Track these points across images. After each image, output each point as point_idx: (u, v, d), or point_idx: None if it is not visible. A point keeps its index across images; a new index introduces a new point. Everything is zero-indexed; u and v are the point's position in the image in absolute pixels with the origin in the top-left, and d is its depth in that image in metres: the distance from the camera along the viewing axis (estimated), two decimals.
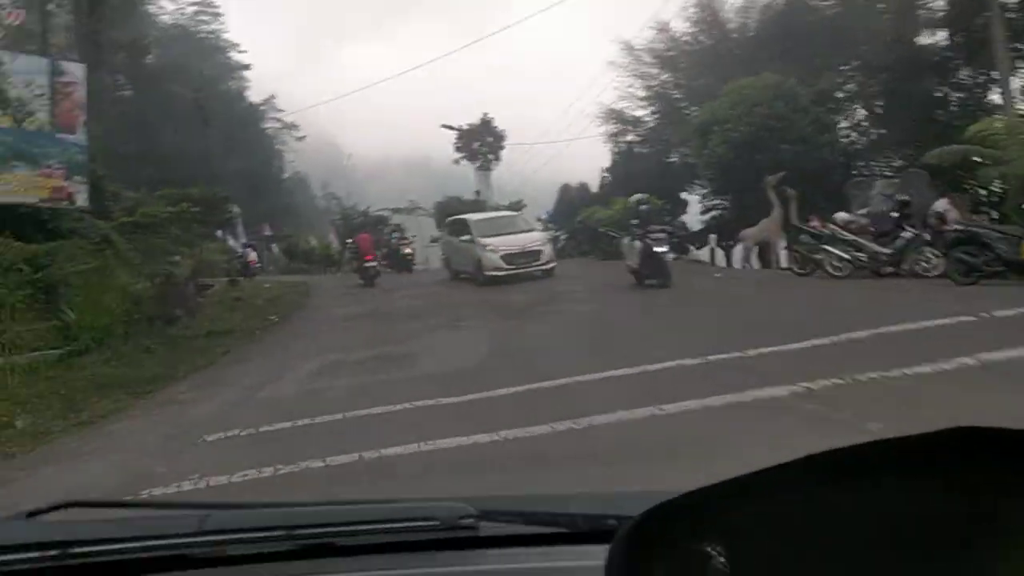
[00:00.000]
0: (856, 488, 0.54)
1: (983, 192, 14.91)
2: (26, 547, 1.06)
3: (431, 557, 1.08)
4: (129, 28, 34.31)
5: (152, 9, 41.78)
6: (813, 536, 0.55)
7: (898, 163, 22.57)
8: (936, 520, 0.51)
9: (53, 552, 1.04)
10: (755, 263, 19.10)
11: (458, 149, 37.83)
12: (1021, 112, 16.58)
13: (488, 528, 1.09)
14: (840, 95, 23.58)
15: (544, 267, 16.38)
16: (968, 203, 14.71)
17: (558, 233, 26.61)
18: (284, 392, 7.83)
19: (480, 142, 37.11)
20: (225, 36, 50.70)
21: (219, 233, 28.78)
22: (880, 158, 23.69)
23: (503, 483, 4.26)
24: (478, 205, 31.04)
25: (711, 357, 6.95)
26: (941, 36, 21.99)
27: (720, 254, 22.40)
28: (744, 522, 0.58)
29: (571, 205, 29.07)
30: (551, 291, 14.22)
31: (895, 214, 12.74)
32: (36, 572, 1.05)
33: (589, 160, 50.01)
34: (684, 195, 26.80)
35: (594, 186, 29.84)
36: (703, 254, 23.11)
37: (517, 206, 29.46)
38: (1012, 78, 17.94)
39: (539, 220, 24.87)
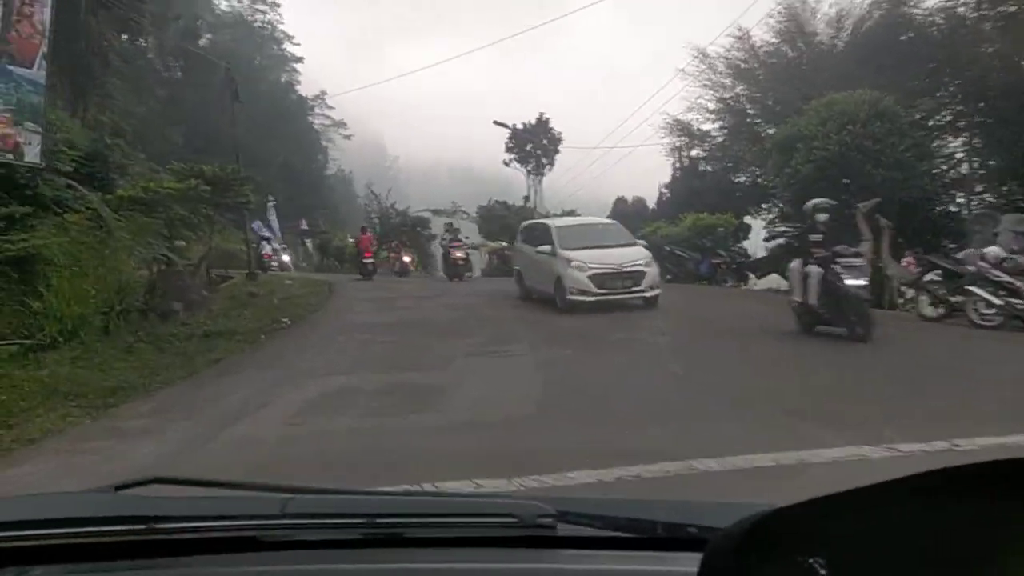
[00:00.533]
0: (952, 507, 0.56)
1: None
2: (114, 519, 1.09)
3: (507, 554, 1.06)
4: (183, 8, 33.52)
5: None
6: (911, 552, 0.56)
7: (990, 199, 20.39)
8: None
9: (140, 527, 1.06)
10: None
11: (509, 149, 35.64)
12: None
13: (565, 529, 1.07)
14: (933, 122, 21.29)
15: (645, 295, 12.71)
16: None
17: None
18: (262, 432, 5.89)
19: (534, 144, 34.93)
20: (281, 27, 50.34)
21: (256, 225, 27.54)
22: (972, 192, 21.39)
23: None
24: (526, 212, 29.13)
25: None
26: None
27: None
28: (844, 536, 0.59)
29: (626, 220, 27.10)
30: (661, 331, 10.46)
31: None
32: (123, 544, 1.06)
33: (644, 174, 47.60)
34: (748, 219, 24.89)
35: (650, 201, 27.93)
36: (767, 282, 20.84)
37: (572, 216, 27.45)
38: None
39: None
